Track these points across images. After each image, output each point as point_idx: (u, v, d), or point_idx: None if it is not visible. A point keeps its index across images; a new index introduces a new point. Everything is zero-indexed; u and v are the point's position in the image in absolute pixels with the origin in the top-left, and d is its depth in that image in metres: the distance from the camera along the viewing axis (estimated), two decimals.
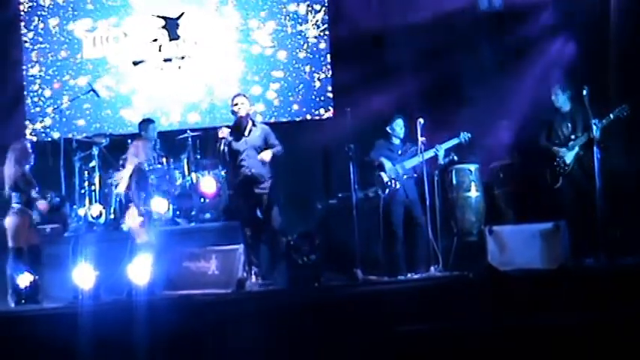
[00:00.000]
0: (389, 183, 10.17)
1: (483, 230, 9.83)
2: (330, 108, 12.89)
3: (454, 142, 10.24)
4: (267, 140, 9.99)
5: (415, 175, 10.20)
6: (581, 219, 9.57)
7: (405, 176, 10.19)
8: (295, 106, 12.99)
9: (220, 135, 9.93)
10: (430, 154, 10.10)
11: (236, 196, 10.16)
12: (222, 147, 9.84)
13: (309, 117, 12.98)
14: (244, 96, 10.26)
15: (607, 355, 6.27)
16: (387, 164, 10.23)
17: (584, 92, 9.49)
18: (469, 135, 10.23)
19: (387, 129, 10.43)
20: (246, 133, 9.97)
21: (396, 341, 6.76)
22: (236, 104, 10.00)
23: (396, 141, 10.42)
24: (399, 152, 10.35)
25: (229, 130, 9.96)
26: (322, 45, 12.99)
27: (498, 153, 10.95)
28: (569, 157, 9.78)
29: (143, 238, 9.41)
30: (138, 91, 13.09)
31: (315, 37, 13.01)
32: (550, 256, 9.28)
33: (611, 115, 9.51)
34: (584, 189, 9.67)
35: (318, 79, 12.95)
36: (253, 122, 10.11)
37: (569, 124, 9.85)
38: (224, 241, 10.23)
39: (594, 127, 9.48)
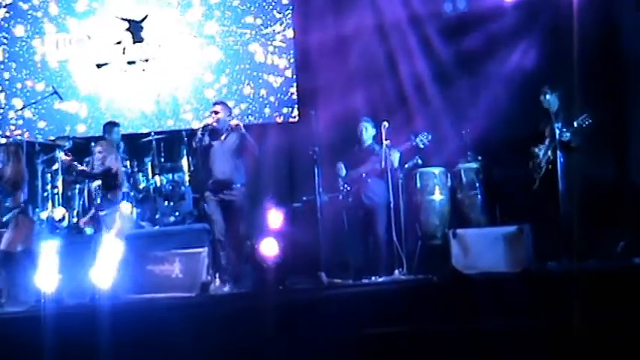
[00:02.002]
0: (342, 188, 10.25)
1: (447, 233, 9.83)
2: (295, 111, 12.88)
3: (406, 145, 10.23)
4: (242, 142, 9.97)
5: (378, 179, 10.17)
6: (555, 221, 9.63)
7: (357, 181, 10.22)
8: (260, 109, 12.96)
9: (201, 125, 10.06)
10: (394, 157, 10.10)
11: (205, 198, 10.12)
12: (197, 142, 9.89)
13: (273, 120, 12.95)
14: (223, 104, 10.39)
15: (570, 357, 6.31)
16: (342, 170, 10.31)
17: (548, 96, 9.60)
18: (428, 136, 10.23)
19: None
20: (222, 139, 10.01)
21: (360, 344, 6.77)
22: (213, 112, 10.07)
23: (367, 143, 10.38)
24: (363, 156, 10.33)
25: (210, 125, 9.97)
26: (287, 48, 12.98)
27: (462, 156, 10.96)
28: (545, 158, 9.81)
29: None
30: (101, 94, 12.98)
31: (281, 41, 13.00)
32: (514, 259, 9.31)
33: (575, 124, 9.57)
34: (556, 191, 9.71)
35: (283, 82, 12.94)
36: (231, 129, 10.07)
37: (556, 124, 9.79)
38: (188, 244, 10.18)
39: (557, 132, 9.57)
